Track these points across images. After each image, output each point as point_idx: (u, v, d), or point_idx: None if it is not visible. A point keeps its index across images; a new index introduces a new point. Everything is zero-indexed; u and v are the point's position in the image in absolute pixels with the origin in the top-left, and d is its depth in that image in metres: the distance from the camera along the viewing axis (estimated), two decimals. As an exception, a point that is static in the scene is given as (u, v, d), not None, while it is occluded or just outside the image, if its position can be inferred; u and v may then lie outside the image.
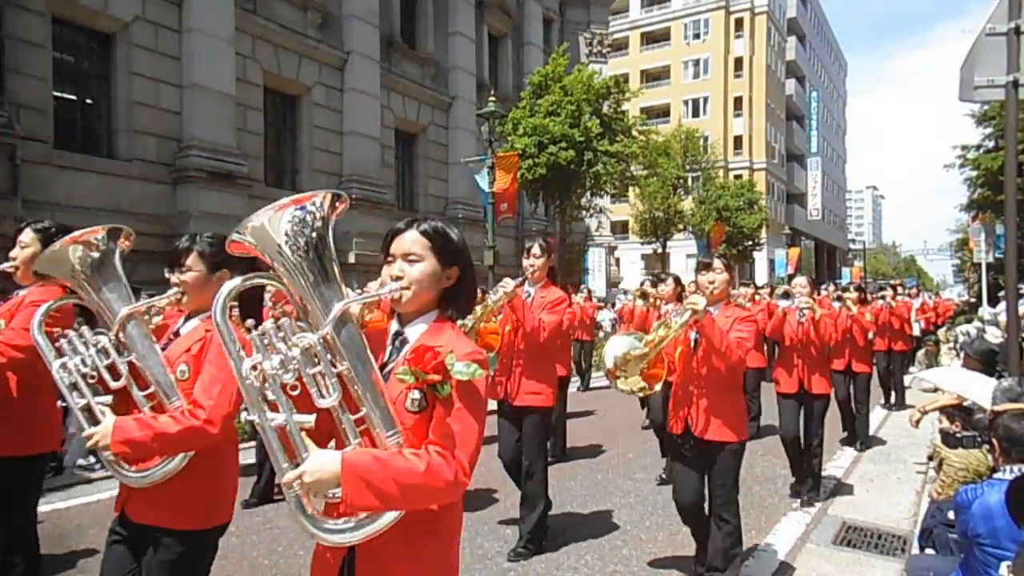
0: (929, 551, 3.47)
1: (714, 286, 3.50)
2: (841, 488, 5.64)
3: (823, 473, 5.62)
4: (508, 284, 3.86)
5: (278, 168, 15.37)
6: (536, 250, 4.19)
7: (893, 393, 9.57)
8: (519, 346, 4.09)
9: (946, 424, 4.87)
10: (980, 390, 4.10)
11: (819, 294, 9.29)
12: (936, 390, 5.63)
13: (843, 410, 7.09)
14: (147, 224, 12.00)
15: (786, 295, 6.39)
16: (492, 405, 3.81)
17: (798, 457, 5.25)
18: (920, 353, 13.03)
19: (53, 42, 11.00)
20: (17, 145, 10.03)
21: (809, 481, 5.24)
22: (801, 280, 5.40)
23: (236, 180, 13.01)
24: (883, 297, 9.20)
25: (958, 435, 4.30)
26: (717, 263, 3.55)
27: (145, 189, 12.07)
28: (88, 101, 11.95)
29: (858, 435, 7.11)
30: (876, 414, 8.66)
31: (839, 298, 6.94)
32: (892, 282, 16.22)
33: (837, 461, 6.51)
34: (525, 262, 4.20)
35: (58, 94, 11.24)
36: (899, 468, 6.25)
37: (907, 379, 10.84)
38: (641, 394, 3.56)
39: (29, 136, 10.38)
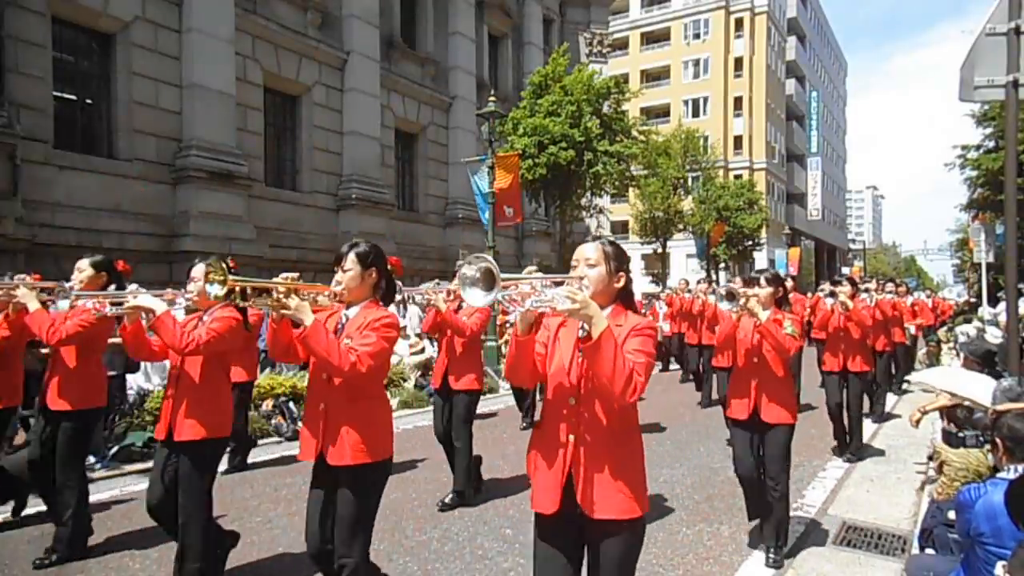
0: (929, 551, 3.46)
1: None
2: (841, 488, 5.63)
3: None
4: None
5: (278, 168, 15.37)
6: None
7: (850, 437, 6.51)
8: None
9: (947, 424, 4.87)
10: (977, 390, 4.10)
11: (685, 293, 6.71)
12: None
13: (748, 492, 4.16)
14: (147, 224, 12.02)
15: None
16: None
17: None
18: (921, 353, 13.01)
19: (53, 42, 11.01)
20: (17, 145, 10.04)
21: None
22: (591, 251, 2.27)
23: (236, 180, 13.01)
24: (833, 295, 6.46)
25: (960, 435, 4.31)
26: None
27: (145, 189, 12.07)
28: (88, 101, 11.95)
29: (770, 535, 3.98)
30: (832, 468, 6.17)
31: (729, 295, 4.10)
32: (868, 277, 12.80)
33: (836, 462, 6.50)
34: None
35: (58, 94, 11.25)
36: (899, 468, 6.23)
37: (891, 400, 9.08)
38: None
39: (29, 136, 10.39)
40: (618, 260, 2.28)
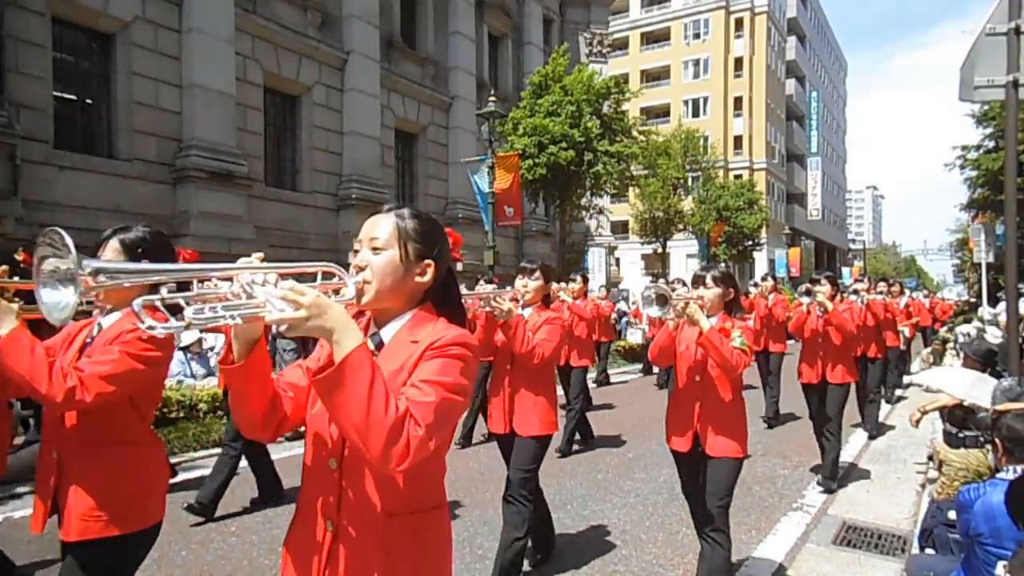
0: (929, 551, 3.47)
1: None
2: (841, 488, 5.63)
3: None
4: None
5: (278, 168, 15.36)
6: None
7: (823, 456, 5.67)
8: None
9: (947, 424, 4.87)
10: (976, 391, 4.09)
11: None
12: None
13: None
14: (147, 224, 12.02)
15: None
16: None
17: None
18: (925, 351, 12.99)
19: (53, 42, 11.00)
20: (17, 145, 10.03)
21: None
22: (380, 228, 1.47)
23: (236, 180, 13.01)
24: (810, 293, 5.72)
25: (960, 435, 4.31)
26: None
27: (145, 189, 12.06)
28: (88, 101, 11.94)
29: None
30: (815, 492, 5.37)
31: (660, 298, 3.26)
32: (861, 277, 11.38)
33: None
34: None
35: (58, 94, 11.24)
36: (899, 468, 6.24)
37: (884, 409, 8.46)
38: None
39: (29, 136, 10.38)
40: (425, 242, 1.45)
